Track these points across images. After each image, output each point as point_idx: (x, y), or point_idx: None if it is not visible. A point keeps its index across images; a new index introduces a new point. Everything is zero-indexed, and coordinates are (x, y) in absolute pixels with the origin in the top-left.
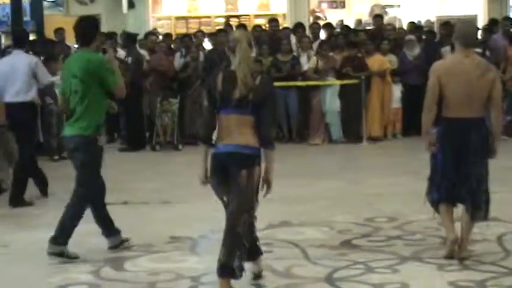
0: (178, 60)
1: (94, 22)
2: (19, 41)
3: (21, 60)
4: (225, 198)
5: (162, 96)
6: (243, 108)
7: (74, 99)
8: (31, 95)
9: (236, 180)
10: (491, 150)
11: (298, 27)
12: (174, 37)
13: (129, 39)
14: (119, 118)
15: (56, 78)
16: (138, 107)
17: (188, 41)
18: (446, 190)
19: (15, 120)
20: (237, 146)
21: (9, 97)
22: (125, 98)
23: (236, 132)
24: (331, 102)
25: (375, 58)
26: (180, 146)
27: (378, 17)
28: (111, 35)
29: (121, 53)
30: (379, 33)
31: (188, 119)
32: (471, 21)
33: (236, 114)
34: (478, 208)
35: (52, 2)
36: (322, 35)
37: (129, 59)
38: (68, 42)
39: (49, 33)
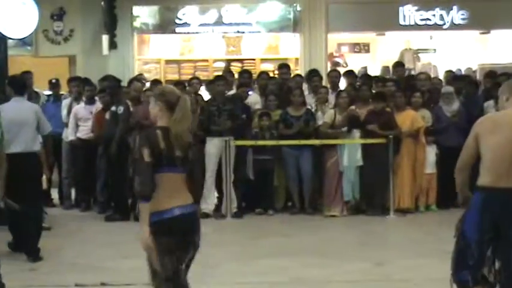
0: None
1: None
2: (20, 86)
3: (27, 108)
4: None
5: None
6: (184, 166)
7: None
8: (38, 144)
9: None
10: None
11: (313, 74)
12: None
13: (116, 84)
14: (94, 181)
15: None
16: (126, 167)
17: (183, 89)
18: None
19: (22, 171)
20: (192, 205)
21: (19, 147)
22: (113, 156)
23: (184, 191)
24: (351, 156)
25: (405, 114)
26: None
27: (399, 66)
28: (90, 81)
29: (99, 104)
30: (411, 84)
31: None
32: None
33: (181, 173)
34: None
35: (18, 40)
36: (342, 84)
37: (119, 109)
38: (36, 88)
39: None
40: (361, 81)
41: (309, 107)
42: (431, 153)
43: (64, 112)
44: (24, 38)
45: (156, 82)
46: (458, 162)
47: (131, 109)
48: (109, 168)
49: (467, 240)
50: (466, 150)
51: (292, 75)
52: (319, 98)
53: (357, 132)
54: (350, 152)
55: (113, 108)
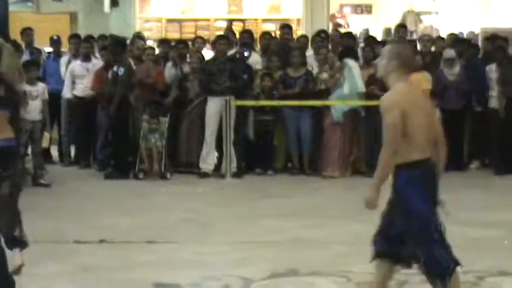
0: (169, 71)
1: None
2: None
3: None
4: None
5: (150, 114)
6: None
7: None
8: None
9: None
10: None
11: (320, 35)
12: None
13: (119, 45)
14: (94, 139)
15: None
16: (126, 126)
17: (183, 49)
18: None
19: None
20: (11, 140)
21: None
22: (113, 116)
23: (6, 127)
24: (352, 86)
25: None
26: (168, 175)
27: (400, 28)
28: (88, 38)
29: (96, 61)
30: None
31: (183, 142)
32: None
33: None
34: None
35: None
36: None
37: (120, 70)
38: (37, 45)
39: (15, 34)
40: (365, 41)
41: (310, 68)
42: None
43: (63, 69)
44: None
45: (164, 41)
46: (390, 142)
47: (134, 68)
48: (109, 127)
49: (424, 215)
50: (396, 129)
51: (294, 35)
52: (319, 59)
53: (352, 62)
54: (351, 82)
55: (115, 68)
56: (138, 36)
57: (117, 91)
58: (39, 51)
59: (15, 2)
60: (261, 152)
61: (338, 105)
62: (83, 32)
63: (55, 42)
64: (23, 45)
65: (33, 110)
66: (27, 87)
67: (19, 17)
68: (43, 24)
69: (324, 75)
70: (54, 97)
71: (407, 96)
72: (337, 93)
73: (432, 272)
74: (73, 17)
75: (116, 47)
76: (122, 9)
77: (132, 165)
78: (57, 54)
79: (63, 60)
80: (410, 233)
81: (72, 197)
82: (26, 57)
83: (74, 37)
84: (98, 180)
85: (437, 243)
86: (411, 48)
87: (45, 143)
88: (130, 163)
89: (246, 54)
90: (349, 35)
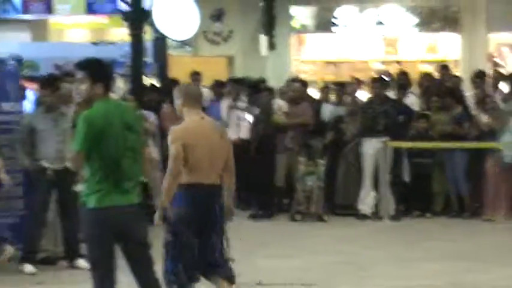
0: (326, 113)
1: None
2: None
3: None
4: None
5: (307, 156)
6: None
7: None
8: None
9: None
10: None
11: (478, 76)
12: (322, 85)
13: (255, 86)
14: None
15: None
16: (269, 167)
17: (340, 90)
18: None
19: None
20: None
21: None
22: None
23: None
24: None
25: None
26: (325, 217)
27: None
28: (240, 81)
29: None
30: None
31: (340, 184)
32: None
33: None
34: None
35: (178, 41)
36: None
37: (255, 110)
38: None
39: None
40: None
41: (467, 107)
42: None
43: (224, 112)
44: (185, 40)
45: (312, 83)
46: (172, 170)
47: (285, 109)
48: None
49: (178, 230)
50: (179, 159)
51: (452, 76)
52: (477, 100)
53: None
54: None
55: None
56: (294, 78)
57: (253, 132)
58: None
59: (174, 46)
60: (418, 194)
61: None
62: (240, 75)
63: (217, 86)
64: None
65: None
66: None
67: (178, 61)
68: (201, 67)
69: (485, 118)
70: None
71: (192, 130)
72: (508, 137)
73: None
74: (230, 60)
75: (251, 89)
76: (278, 52)
77: (289, 207)
78: (220, 97)
79: (224, 103)
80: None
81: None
82: None
83: (233, 81)
84: (248, 220)
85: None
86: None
87: None
88: (273, 204)
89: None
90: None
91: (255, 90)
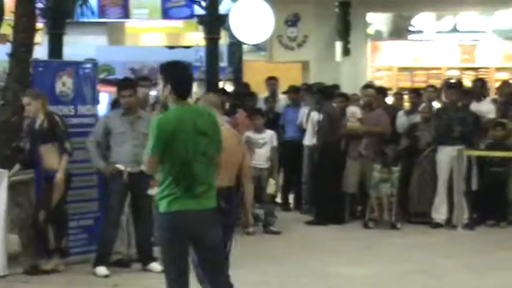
0: (400, 120)
1: None
2: None
3: None
4: None
5: (381, 163)
6: None
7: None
8: None
9: None
10: None
11: None
12: (395, 91)
13: (324, 93)
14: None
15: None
16: (332, 173)
17: (415, 97)
18: None
19: None
20: None
21: None
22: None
23: None
24: None
25: None
26: (399, 225)
27: None
28: (309, 87)
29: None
30: None
31: (414, 192)
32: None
33: None
34: None
35: (253, 45)
36: None
37: (320, 116)
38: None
39: (248, 82)
40: None
41: None
42: None
43: (302, 118)
44: (259, 43)
45: (382, 89)
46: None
47: (359, 115)
48: (313, 173)
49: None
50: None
51: None
52: None
53: None
54: None
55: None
56: (368, 84)
57: (318, 138)
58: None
59: (249, 51)
60: (493, 203)
61: None
62: (314, 81)
63: (293, 91)
64: (268, 93)
65: (260, 157)
66: (253, 135)
67: (252, 65)
68: (275, 72)
69: None
70: (292, 144)
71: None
72: None
73: None
74: (305, 66)
75: (319, 95)
76: (353, 58)
77: (362, 214)
78: (295, 103)
79: (303, 110)
80: None
81: (301, 243)
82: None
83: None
84: (326, 227)
85: None
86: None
87: (271, 189)
88: (331, 211)
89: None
90: None
91: (324, 95)
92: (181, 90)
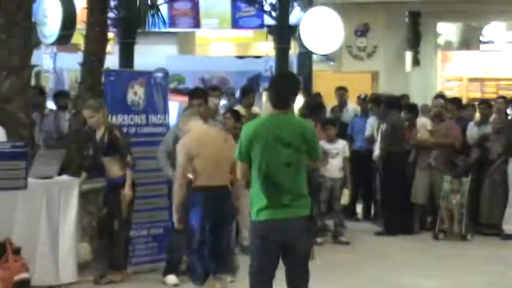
0: (471, 131)
1: None
2: None
3: None
4: None
5: (451, 174)
6: None
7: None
8: None
9: None
10: None
11: None
12: (465, 102)
13: (388, 103)
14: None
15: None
16: (398, 183)
17: (486, 108)
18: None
19: None
20: None
21: None
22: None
23: None
24: None
25: None
26: (469, 236)
27: None
28: (377, 97)
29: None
30: None
31: (485, 203)
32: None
33: None
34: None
35: (323, 55)
36: None
37: (384, 126)
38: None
39: (317, 92)
40: None
41: None
42: None
43: (369, 128)
44: (329, 54)
45: (456, 100)
46: (177, 179)
47: (429, 127)
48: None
49: (194, 229)
50: (183, 168)
51: None
52: None
53: None
54: None
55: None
56: (439, 95)
57: (381, 148)
58: (341, 110)
59: (318, 61)
60: None
61: None
62: (383, 91)
63: (362, 101)
64: (337, 103)
65: (333, 167)
66: (326, 145)
67: (321, 75)
68: (345, 83)
69: None
70: (360, 154)
71: (196, 139)
72: None
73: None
74: (374, 76)
75: (385, 105)
76: (423, 68)
77: (432, 225)
78: (364, 112)
79: (370, 121)
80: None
81: (371, 254)
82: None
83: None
84: (395, 237)
85: (194, 253)
86: None
87: (345, 200)
88: (400, 222)
89: None
90: None
91: (389, 106)
92: (273, 99)
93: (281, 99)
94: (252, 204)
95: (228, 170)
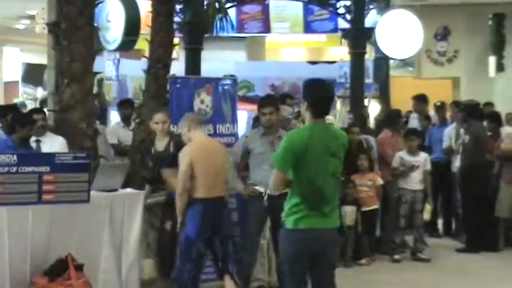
0: None
1: None
2: None
3: None
4: None
5: None
6: None
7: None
8: None
9: None
10: None
11: None
12: None
13: (469, 112)
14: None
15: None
16: (481, 197)
17: None
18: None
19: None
20: None
21: None
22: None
23: None
24: None
25: None
26: None
27: None
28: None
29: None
30: None
31: None
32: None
33: None
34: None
35: (401, 60)
36: None
37: (464, 135)
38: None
39: (396, 98)
40: None
41: None
42: None
43: (446, 139)
44: (407, 58)
45: None
46: (178, 187)
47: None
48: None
49: (192, 240)
50: (185, 176)
51: None
52: None
53: None
54: None
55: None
56: None
57: (462, 160)
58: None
59: (396, 66)
60: None
61: None
62: (465, 98)
63: (439, 109)
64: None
65: (413, 179)
66: (406, 157)
67: (399, 81)
68: (424, 89)
69: None
70: (439, 166)
71: (197, 150)
72: None
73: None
74: (455, 82)
75: (466, 114)
76: (508, 74)
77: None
78: (442, 121)
79: (448, 130)
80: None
81: (453, 272)
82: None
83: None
84: (478, 254)
85: (192, 262)
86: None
87: (427, 215)
88: (481, 238)
89: None
90: None
91: (470, 114)
92: (316, 108)
93: (324, 108)
94: (290, 214)
95: (225, 180)
